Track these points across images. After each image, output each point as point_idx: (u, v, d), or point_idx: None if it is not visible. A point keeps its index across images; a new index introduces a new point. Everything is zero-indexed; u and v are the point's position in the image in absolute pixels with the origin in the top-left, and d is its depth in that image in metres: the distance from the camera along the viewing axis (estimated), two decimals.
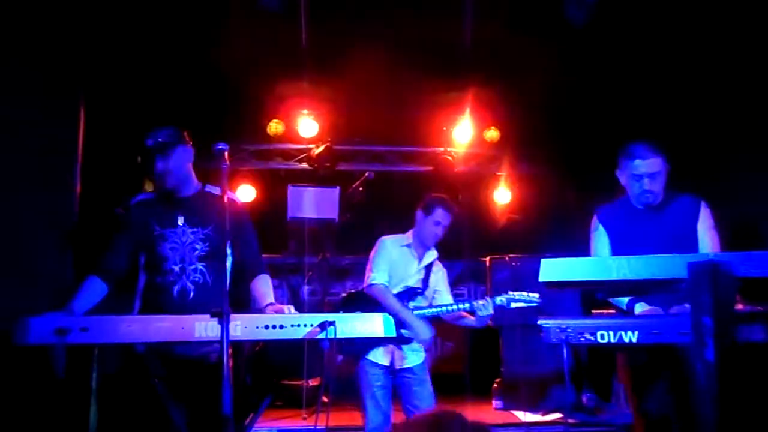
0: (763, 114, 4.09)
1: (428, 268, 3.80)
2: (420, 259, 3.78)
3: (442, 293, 3.84)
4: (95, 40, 4.34)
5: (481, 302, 3.61)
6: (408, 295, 3.71)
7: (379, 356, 3.61)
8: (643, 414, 3.05)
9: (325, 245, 6.17)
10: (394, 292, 3.69)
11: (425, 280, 3.77)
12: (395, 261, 3.73)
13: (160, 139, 2.79)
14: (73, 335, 2.28)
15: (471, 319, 3.72)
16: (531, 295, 3.73)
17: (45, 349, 2.35)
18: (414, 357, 3.69)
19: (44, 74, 3.94)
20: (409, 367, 3.65)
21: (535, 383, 5.23)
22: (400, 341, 3.62)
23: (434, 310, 3.69)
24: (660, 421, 2.98)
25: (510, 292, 3.72)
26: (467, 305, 3.66)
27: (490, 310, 3.60)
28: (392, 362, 3.63)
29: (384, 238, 3.81)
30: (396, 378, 3.66)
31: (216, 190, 2.92)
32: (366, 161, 7.03)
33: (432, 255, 3.82)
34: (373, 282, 3.65)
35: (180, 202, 2.90)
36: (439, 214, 3.71)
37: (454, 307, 3.69)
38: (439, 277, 3.86)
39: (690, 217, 3.05)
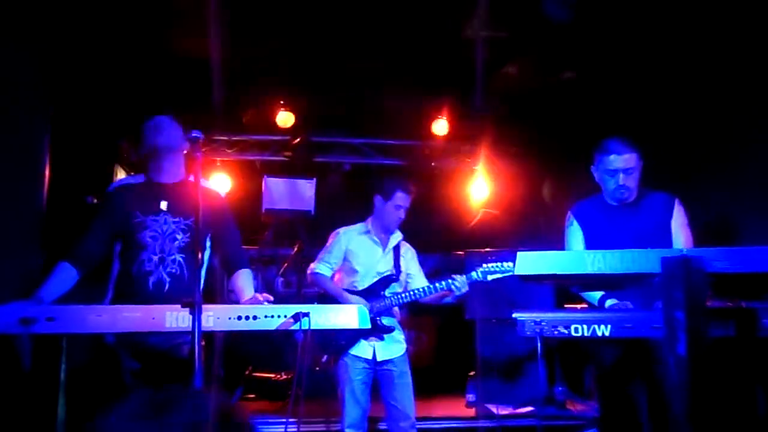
0: (737, 111, 4.14)
1: (396, 251, 3.79)
2: (384, 244, 3.77)
3: (415, 276, 3.83)
4: (65, 25, 4.24)
5: (458, 282, 3.59)
6: (382, 283, 3.70)
7: (362, 350, 3.60)
8: (612, 407, 3.08)
9: (301, 237, 6.13)
10: (368, 283, 3.68)
11: (396, 266, 3.76)
12: (355, 251, 3.73)
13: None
14: (39, 325, 2.21)
15: (447, 297, 3.71)
16: (505, 264, 3.69)
17: (10, 339, 2.29)
18: (395, 348, 3.68)
19: (11, 58, 3.83)
20: (390, 359, 3.64)
21: (509, 377, 5.26)
22: (382, 331, 3.61)
23: (412, 294, 3.68)
24: (628, 415, 3.02)
25: (484, 265, 3.67)
26: (444, 284, 3.64)
27: (466, 287, 3.60)
28: (374, 355, 3.61)
29: (339, 229, 3.82)
30: (377, 371, 3.64)
31: (203, 183, 2.89)
32: (343, 153, 7.00)
33: (397, 237, 3.82)
34: (314, 271, 3.72)
35: (164, 189, 2.84)
36: (400, 198, 3.72)
37: (431, 288, 3.67)
38: (409, 259, 3.84)
39: (664, 215, 3.09)
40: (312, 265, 3.77)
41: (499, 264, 3.67)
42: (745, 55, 3.97)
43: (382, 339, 3.61)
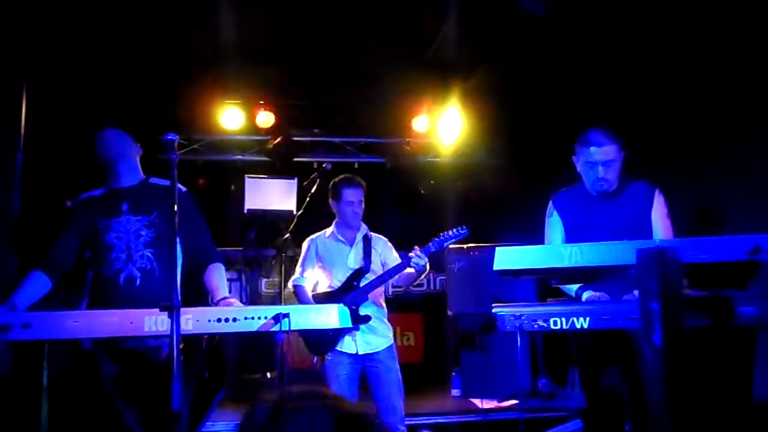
0: (719, 100, 4.15)
1: (366, 244, 3.85)
2: (351, 241, 3.86)
3: (392, 263, 3.85)
4: (38, 28, 4.19)
5: (415, 259, 3.64)
6: (354, 276, 3.76)
7: (345, 344, 3.64)
8: (597, 397, 3.11)
9: (284, 237, 6.09)
10: (344, 278, 3.75)
11: (366, 258, 3.82)
12: (324, 255, 3.85)
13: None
14: (15, 332, 2.20)
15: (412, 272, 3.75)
16: (458, 230, 3.80)
17: None
18: (379, 341, 3.70)
19: None
20: (375, 352, 3.67)
21: (493, 371, 5.29)
22: (357, 321, 3.60)
23: (380, 278, 3.73)
24: (613, 404, 3.04)
25: (439, 235, 3.78)
26: (405, 262, 3.69)
27: (425, 259, 3.66)
28: (357, 349, 3.64)
29: (309, 238, 3.95)
30: (364, 365, 3.68)
31: (160, 182, 2.89)
32: (324, 152, 6.98)
33: (362, 231, 3.90)
34: (294, 283, 3.84)
35: (123, 192, 2.87)
36: (348, 194, 3.82)
37: (393, 268, 3.73)
38: (382, 248, 3.91)
39: (644, 204, 3.05)
40: (292, 278, 3.89)
41: (452, 231, 3.80)
42: (728, 46, 3.98)
43: (357, 329, 3.63)
